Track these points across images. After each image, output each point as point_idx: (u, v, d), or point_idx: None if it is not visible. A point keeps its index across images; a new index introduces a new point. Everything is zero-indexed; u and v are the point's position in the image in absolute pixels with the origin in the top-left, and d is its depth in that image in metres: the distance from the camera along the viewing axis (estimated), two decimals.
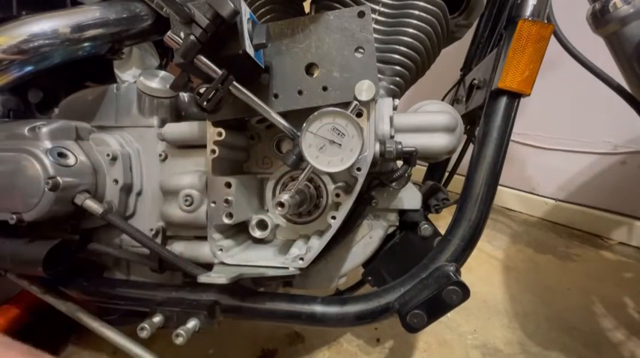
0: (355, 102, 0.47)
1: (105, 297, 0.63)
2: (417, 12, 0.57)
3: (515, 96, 0.53)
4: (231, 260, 0.54)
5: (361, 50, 0.49)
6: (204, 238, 0.57)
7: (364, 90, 0.47)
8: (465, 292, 0.48)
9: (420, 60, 0.59)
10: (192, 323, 0.50)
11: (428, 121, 0.55)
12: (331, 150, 0.45)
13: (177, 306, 0.53)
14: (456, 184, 0.66)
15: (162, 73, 0.63)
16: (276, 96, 0.51)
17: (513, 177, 1.67)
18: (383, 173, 0.55)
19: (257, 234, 0.59)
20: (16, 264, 0.57)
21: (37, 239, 0.57)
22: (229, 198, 0.53)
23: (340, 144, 0.45)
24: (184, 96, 0.67)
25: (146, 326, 0.49)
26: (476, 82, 0.66)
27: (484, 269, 1.21)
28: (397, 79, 0.59)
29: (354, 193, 0.51)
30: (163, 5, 0.59)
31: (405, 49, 0.57)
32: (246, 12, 0.44)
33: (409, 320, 0.49)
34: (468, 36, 0.77)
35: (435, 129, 0.54)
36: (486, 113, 0.55)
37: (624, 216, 1.40)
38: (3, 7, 0.61)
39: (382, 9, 0.57)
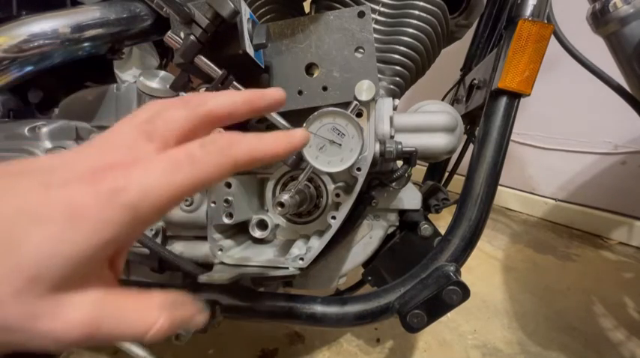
0: (355, 102, 0.47)
1: None
2: (417, 12, 0.57)
3: (515, 96, 0.53)
4: (231, 260, 0.54)
5: (361, 50, 0.49)
6: (204, 238, 0.57)
7: (364, 90, 0.47)
8: (465, 292, 0.48)
9: (420, 60, 0.59)
10: None
11: (428, 121, 0.55)
12: (331, 150, 0.45)
13: None
14: (456, 184, 0.66)
15: (162, 73, 0.63)
16: None
17: (513, 177, 1.67)
18: (383, 173, 0.55)
19: (257, 234, 0.59)
20: None
21: None
22: (229, 198, 0.53)
23: (340, 144, 0.45)
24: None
25: None
26: (476, 82, 0.66)
27: (484, 269, 1.21)
28: (397, 79, 0.59)
29: (354, 193, 0.51)
30: (163, 5, 0.59)
31: (405, 49, 0.57)
32: (246, 12, 0.44)
33: (409, 320, 0.49)
34: (468, 36, 0.77)
35: (435, 129, 0.54)
36: (486, 113, 0.55)
37: (624, 216, 1.40)
38: (3, 7, 0.61)
39: (382, 9, 0.57)
